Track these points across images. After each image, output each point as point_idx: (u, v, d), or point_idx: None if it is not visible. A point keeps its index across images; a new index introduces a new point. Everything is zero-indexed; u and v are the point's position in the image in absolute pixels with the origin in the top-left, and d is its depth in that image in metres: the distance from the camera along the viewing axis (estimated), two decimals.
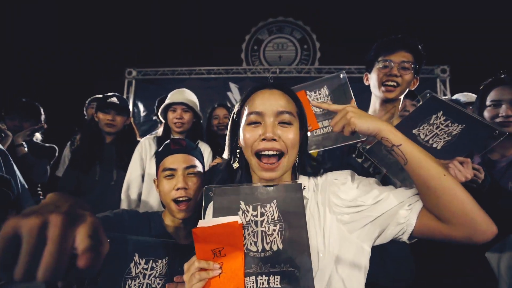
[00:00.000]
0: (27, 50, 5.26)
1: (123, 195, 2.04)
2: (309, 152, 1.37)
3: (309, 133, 1.42)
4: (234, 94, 5.71)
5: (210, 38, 5.84)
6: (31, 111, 2.48)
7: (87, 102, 3.03)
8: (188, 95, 2.26)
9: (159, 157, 1.30)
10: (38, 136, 2.65)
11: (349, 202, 0.87)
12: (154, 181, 1.33)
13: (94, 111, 2.21)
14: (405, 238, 0.84)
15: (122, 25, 5.51)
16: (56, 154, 2.64)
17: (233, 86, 5.72)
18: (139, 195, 2.06)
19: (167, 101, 2.21)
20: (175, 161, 1.25)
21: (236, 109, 1.03)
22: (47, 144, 2.62)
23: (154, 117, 4.03)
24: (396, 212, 0.83)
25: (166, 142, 1.33)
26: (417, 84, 1.57)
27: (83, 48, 5.56)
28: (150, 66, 5.68)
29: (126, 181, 2.07)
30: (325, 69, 5.67)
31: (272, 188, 0.86)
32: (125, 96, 5.42)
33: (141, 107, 5.65)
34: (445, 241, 0.80)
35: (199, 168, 1.30)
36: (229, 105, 5.09)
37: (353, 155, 1.52)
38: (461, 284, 1.38)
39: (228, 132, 1.06)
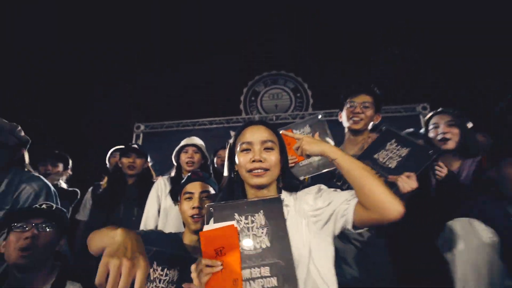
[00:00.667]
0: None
1: (142, 228, 2.34)
2: (300, 178, 1.74)
3: (295, 164, 1.81)
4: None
5: (211, 92, 6.48)
6: (61, 158, 2.89)
7: (109, 153, 3.45)
8: (197, 140, 2.69)
9: (182, 185, 1.68)
10: (63, 184, 3.01)
11: (314, 207, 1.16)
12: (178, 205, 1.69)
13: (118, 159, 2.62)
14: (349, 227, 1.08)
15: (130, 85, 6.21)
16: (78, 197, 2.97)
17: (233, 134, 6.18)
18: (156, 227, 2.37)
19: (181, 144, 2.62)
20: (194, 187, 1.62)
21: (231, 141, 1.38)
22: (70, 188, 2.97)
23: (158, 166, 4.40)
24: (340, 208, 1.09)
25: (188, 174, 1.71)
26: (380, 119, 2.00)
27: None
28: (156, 120, 6.22)
29: (145, 216, 2.40)
30: (316, 114, 6.14)
31: (259, 201, 1.10)
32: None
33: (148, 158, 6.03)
34: (374, 226, 1.07)
35: (212, 192, 1.66)
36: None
37: (334, 180, 1.88)
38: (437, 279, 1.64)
39: (226, 158, 1.39)
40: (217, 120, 6.15)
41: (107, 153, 3.48)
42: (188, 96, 6.62)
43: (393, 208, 0.98)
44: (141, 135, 6.10)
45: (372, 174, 1.08)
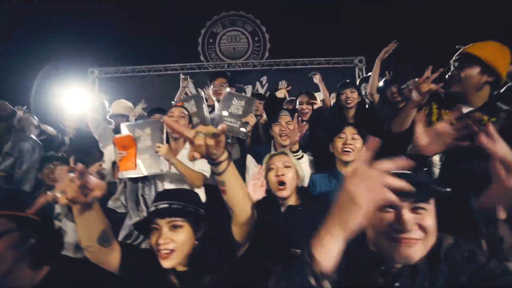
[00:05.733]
0: None
1: None
2: None
3: None
4: (190, 87, 6.45)
5: (167, 34, 6.50)
6: None
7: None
8: None
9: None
10: None
11: None
12: None
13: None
14: None
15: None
16: None
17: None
18: None
19: None
20: None
21: None
22: None
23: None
24: None
25: None
26: None
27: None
28: (111, 65, 6.28)
29: None
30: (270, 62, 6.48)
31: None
32: (90, 93, 5.99)
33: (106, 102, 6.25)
34: None
35: None
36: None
37: None
38: None
39: None
40: (171, 66, 6.29)
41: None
42: (142, 39, 6.59)
43: None
44: (97, 80, 6.21)
45: None
